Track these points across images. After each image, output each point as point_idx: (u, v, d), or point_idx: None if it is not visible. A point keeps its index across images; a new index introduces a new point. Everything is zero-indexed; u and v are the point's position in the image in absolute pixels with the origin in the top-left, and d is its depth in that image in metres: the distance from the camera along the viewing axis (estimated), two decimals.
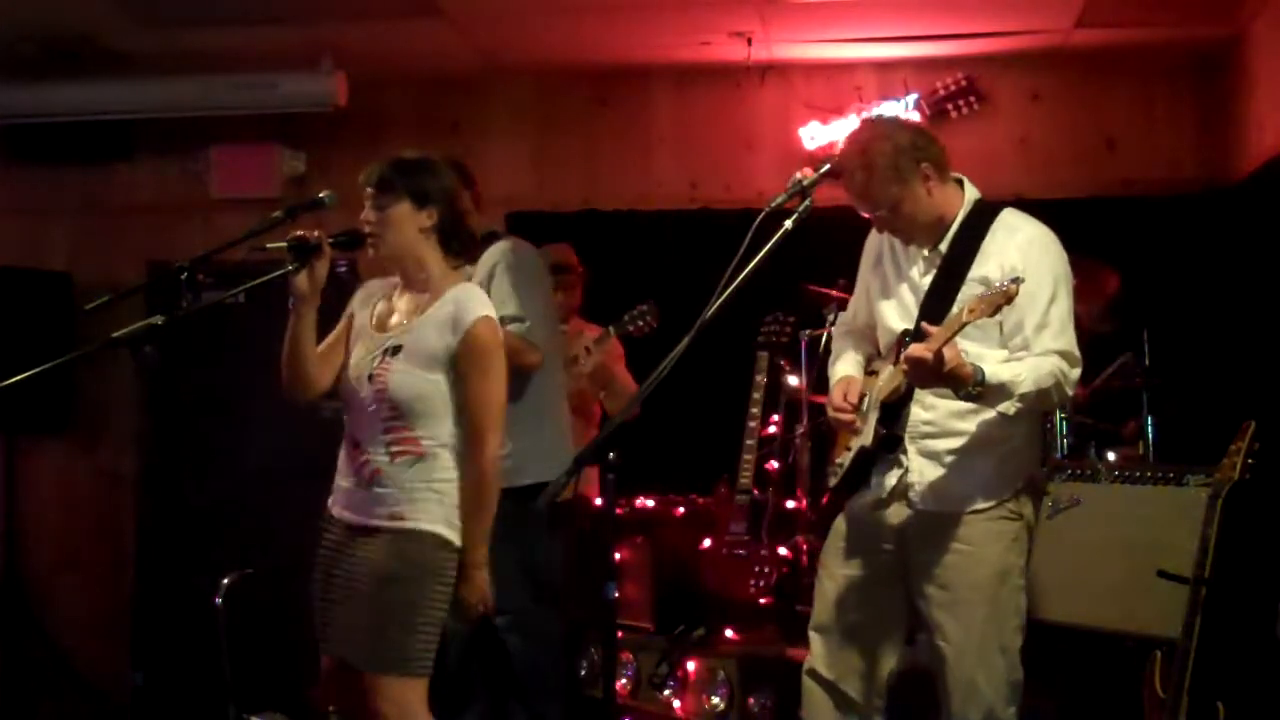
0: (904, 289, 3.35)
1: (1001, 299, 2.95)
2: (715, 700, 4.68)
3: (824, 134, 6.04)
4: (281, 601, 5.42)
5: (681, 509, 5.35)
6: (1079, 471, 4.19)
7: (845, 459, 3.39)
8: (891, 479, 3.29)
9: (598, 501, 5.13)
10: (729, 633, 4.91)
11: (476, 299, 3.23)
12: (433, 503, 3.14)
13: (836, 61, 6.09)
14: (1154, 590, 3.53)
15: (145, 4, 5.43)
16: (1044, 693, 4.15)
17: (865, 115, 3.48)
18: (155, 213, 6.48)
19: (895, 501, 3.29)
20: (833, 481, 3.46)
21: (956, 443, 3.23)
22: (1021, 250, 3.19)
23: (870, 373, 3.45)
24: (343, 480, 3.27)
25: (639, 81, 6.32)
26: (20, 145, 6.40)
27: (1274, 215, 5.06)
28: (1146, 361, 5.03)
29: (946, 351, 2.96)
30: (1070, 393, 3.22)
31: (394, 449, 3.15)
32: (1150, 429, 4.97)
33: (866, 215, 3.32)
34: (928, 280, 3.29)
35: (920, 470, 3.26)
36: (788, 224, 3.12)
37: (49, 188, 6.52)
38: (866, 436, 3.29)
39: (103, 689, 5.99)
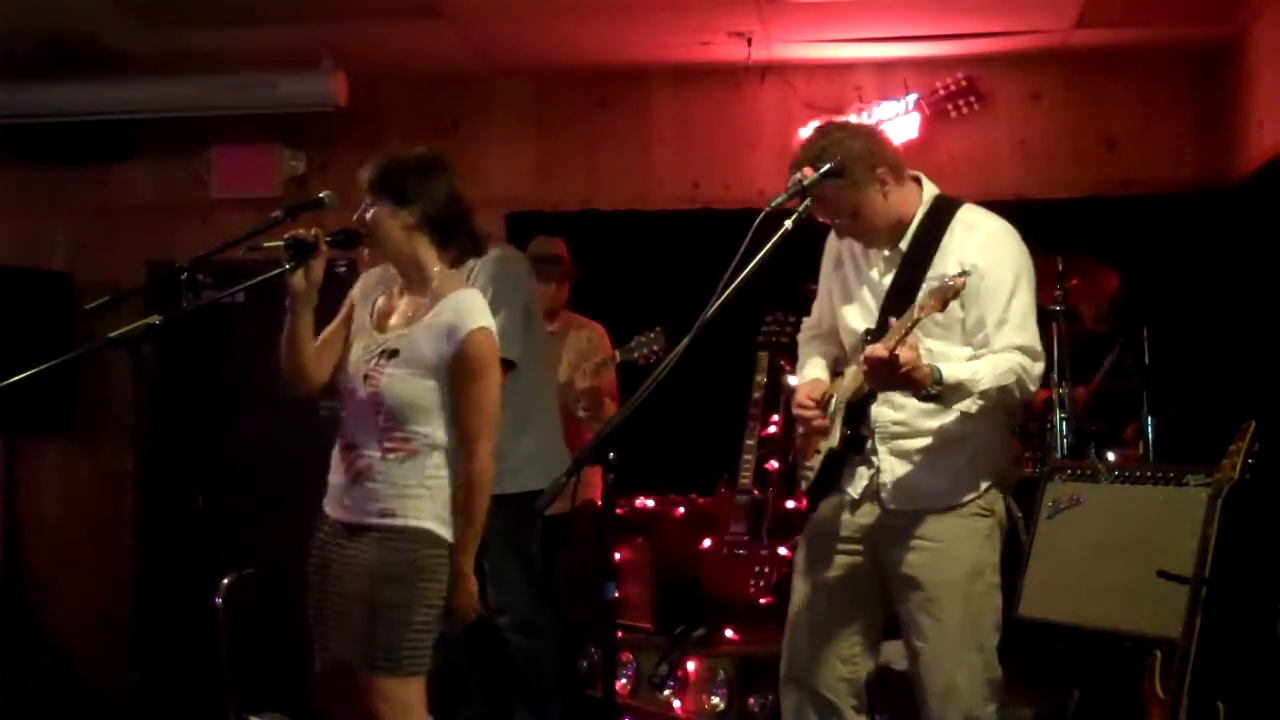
0: (865, 291, 3.34)
1: (950, 293, 2.93)
2: (715, 700, 4.68)
3: None
4: (281, 601, 5.44)
5: (681, 509, 5.35)
6: (1079, 471, 4.18)
7: (815, 462, 3.36)
8: (863, 480, 3.27)
9: (598, 502, 5.14)
10: (729, 633, 4.91)
11: (474, 309, 3.20)
12: (424, 499, 3.14)
13: (836, 61, 6.09)
14: (1154, 590, 3.53)
15: (145, 4, 5.43)
16: (1043, 693, 4.15)
17: (825, 120, 3.38)
18: (155, 213, 6.49)
19: (866, 502, 3.27)
20: (804, 485, 3.44)
21: (927, 441, 3.22)
22: (979, 246, 3.17)
23: (837, 374, 3.42)
24: (335, 477, 3.26)
25: (639, 81, 6.32)
26: (20, 145, 6.40)
27: (1274, 215, 5.06)
28: (1146, 361, 5.04)
29: (903, 352, 2.94)
30: (1034, 389, 3.20)
31: (386, 445, 3.15)
32: (1150, 429, 4.97)
33: (823, 221, 3.30)
34: (888, 280, 3.28)
35: (892, 470, 3.24)
36: (788, 224, 3.12)
37: (49, 188, 6.52)
38: (833, 439, 3.27)
39: (102, 688, 6.00)
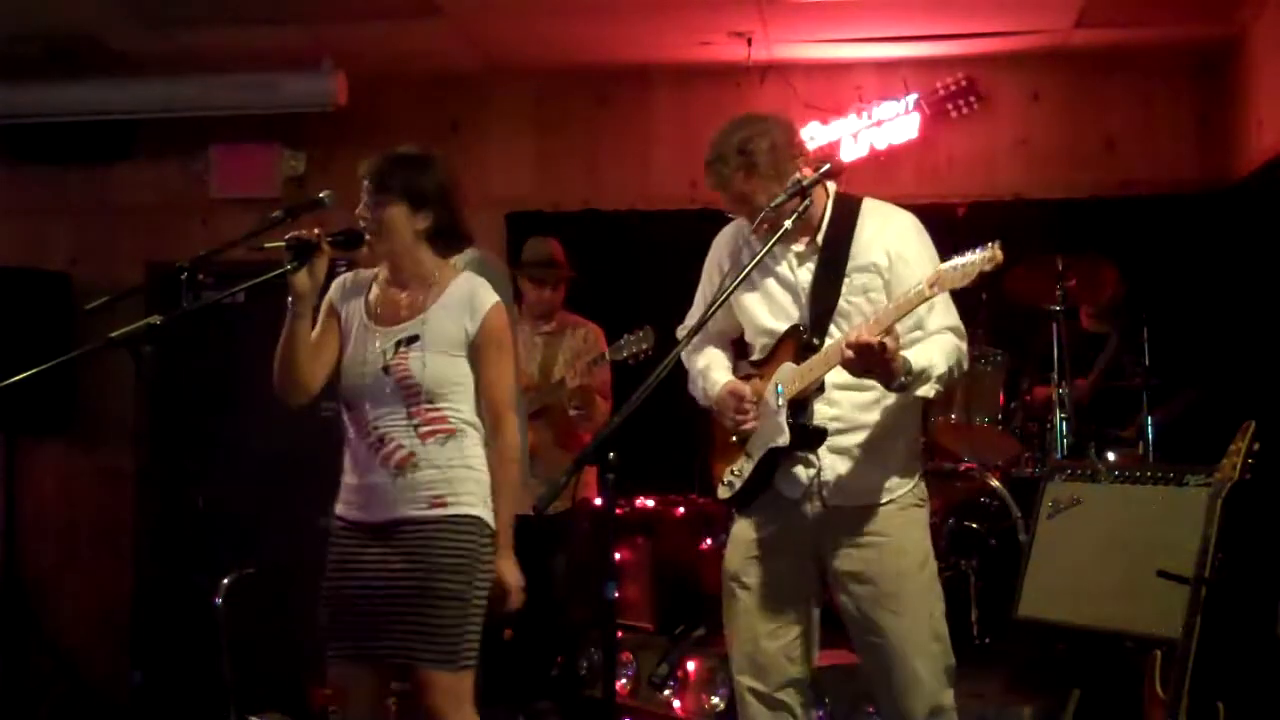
0: (774, 287, 3.30)
1: (987, 264, 2.84)
2: (715, 700, 4.67)
3: (824, 134, 6.04)
4: (281, 601, 5.45)
5: (681, 509, 5.34)
6: (1079, 471, 4.18)
7: (743, 466, 3.30)
8: (801, 480, 3.23)
9: (598, 502, 5.14)
10: None
11: (486, 287, 3.29)
12: (471, 482, 3.17)
13: (836, 61, 6.09)
14: (1154, 590, 3.53)
15: (145, 4, 5.44)
16: (1043, 693, 4.15)
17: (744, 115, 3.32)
18: (155, 213, 6.49)
19: (806, 502, 3.24)
20: (727, 493, 3.35)
21: (864, 435, 3.22)
22: (900, 236, 3.19)
23: (744, 377, 3.37)
24: (360, 479, 3.22)
25: (639, 81, 6.32)
26: (21, 145, 6.41)
27: (1274, 215, 5.06)
28: (1146, 361, 5.04)
29: (889, 341, 2.92)
30: (965, 366, 3.22)
31: (423, 429, 3.15)
32: (1150, 429, 4.97)
33: (737, 214, 3.24)
34: (805, 273, 3.25)
35: (833, 466, 3.21)
36: (787, 224, 3.12)
37: (49, 188, 6.53)
38: (775, 437, 3.20)
39: (102, 688, 6.00)
